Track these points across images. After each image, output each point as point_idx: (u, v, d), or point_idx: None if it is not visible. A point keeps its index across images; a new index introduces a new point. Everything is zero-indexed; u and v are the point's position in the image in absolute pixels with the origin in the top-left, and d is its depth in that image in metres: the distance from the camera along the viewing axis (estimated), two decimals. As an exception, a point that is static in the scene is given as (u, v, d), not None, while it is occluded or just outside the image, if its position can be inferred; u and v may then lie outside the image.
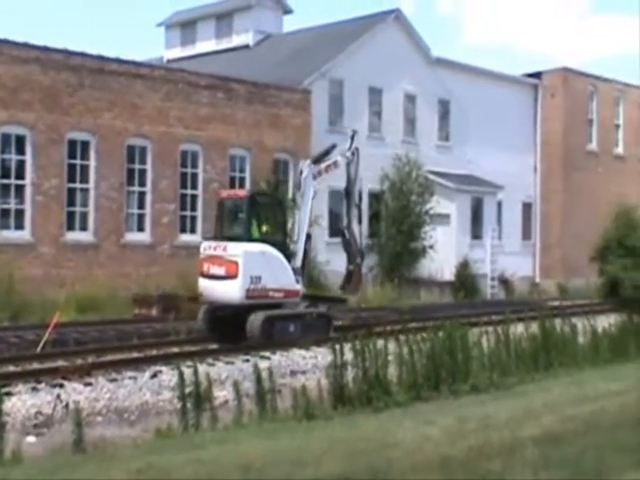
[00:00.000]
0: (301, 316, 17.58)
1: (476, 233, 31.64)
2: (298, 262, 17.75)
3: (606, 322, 19.74)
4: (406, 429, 9.86)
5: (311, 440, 9.36)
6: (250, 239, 17.15)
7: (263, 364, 14.20)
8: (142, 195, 24.15)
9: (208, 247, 17.27)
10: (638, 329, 19.27)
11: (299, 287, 17.70)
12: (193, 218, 25.21)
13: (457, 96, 33.04)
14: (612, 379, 13.63)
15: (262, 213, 18.12)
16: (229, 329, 16.99)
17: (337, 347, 12.63)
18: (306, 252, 18.10)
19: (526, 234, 36.26)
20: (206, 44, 37.96)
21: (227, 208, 18.45)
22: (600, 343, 17.83)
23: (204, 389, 11.11)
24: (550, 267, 35.54)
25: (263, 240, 17.33)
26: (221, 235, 17.65)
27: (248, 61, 33.22)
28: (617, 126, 38.57)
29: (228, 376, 13.66)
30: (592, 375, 14.81)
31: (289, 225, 18.30)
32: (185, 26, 39.39)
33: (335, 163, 18.72)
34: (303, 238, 17.95)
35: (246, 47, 36.18)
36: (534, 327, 17.10)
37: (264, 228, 17.81)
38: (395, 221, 29.19)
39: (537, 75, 36.91)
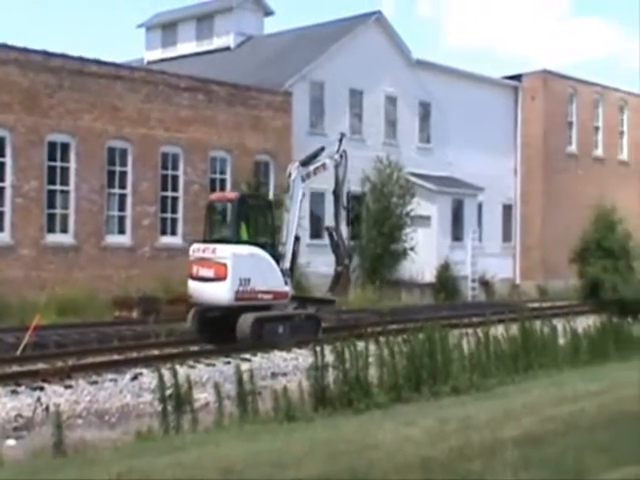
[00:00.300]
0: (290, 317, 17.72)
1: (457, 235, 31.74)
2: (287, 264, 17.88)
3: (586, 323, 19.89)
4: (387, 430, 9.90)
5: (292, 442, 9.38)
6: (239, 241, 17.26)
7: (244, 366, 14.16)
8: (123, 197, 24.06)
9: (197, 249, 17.40)
10: (617, 330, 19.39)
11: (288, 289, 17.82)
12: (174, 220, 25.14)
13: (438, 98, 33.15)
14: (591, 380, 13.75)
15: (251, 215, 18.24)
16: (219, 330, 17.07)
17: (318, 349, 12.66)
18: (294, 254, 18.20)
19: (506, 236, 36.42)
20: (187, 46, 37.87)
21: (216, 210, 18.66)
22: (580, 344, 17.94)
23: (184, 391, 11.09)
24: (530, 269, 35.71)
25: (252, 242, 17.45)
26: (210, 237, 17.80)
27: (229, 63, 33.16)
28: (596, 128, 38.83)
29: (209, 378, 13.66)
30: (571, 376, 14.91)
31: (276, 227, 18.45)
32: (166, 28, 39.27)
33: (324, 165, 18.96)
34: (292, 240, 18.08)
35: (227, 49, 36.13)
36: (514, 329, 17.20)
37: (253, 230, 17.91)
38: (376, 223, 29.24)
39: (517, 77, 37.06)
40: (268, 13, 38.30)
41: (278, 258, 17.69)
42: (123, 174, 24.08)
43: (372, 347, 14.08)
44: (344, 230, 19.40)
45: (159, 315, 20.06)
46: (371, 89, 31.05)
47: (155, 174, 24.69)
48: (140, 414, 11.93)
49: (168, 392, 11.11)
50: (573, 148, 37.60)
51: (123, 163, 24.07)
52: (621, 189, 37.29)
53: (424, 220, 30.54)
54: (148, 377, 13.15)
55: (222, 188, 26.10)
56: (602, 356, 17.53)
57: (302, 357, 15.31)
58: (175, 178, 25.28)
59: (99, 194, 23.36)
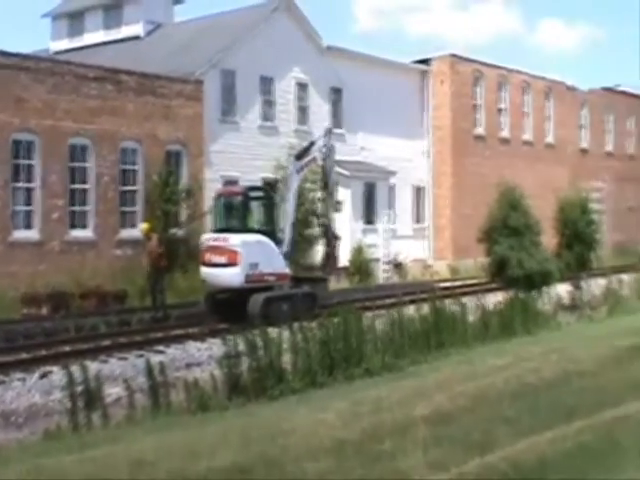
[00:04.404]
0: (292, 296, 19.41)
1: (369, 218, 31.98)
2: (286, 248, 19.75)
3: (495, 299, 20.43)
4: (300, 415, 10.00)
5: (205, 432, 9.39)
6: (246, 230, 19.10)
7: (158, 358, 14.13)
8: (30, 191, 23.41)
9: (209, 239, 19.40)
10: (524, 305, 20.00)
11: (288, 270, 19.68)
12: (84, 213, 24.65)
13: (349, 84, 33.27)
14: (498, 355, 14.13)
15: (255, 206, 20.20)
16: (228, 311, 18.57)
17: (230, 337, 12.68)
18: (292, 239, 20.19)
19: (418, 218, 36.84)
20: (95, 35, 37.01)
21: (224, 203, 20.43)
22: (489, 321, 18.43)
23: (95, 387, 10.97)
24: (442, 249, 36.21)
25: (257, 230, 19.39)
26: (219, 227, 19.71)
27: (138, 52, 32.60)
28: (502, 110, 39.59)
29: (121, 372, 13.50)
30: (481, 352, 15.31)
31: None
32: (72, 17, 38.29)
33: (314, 159, 20.95)
34: (289, 227, 20.04)
35: (136, 38, 35.49)
36: (426, 308, 17.54)
37: (257, 219, 19.97)
38: (290, 209, 29.20)
39: (426, 62, 37.44)
40: (178, 1, 37.77)
41: (279, 243, 19.53)
42: (30, 167, 23.43)
43: (286, 333, 14.19)
44: (331, 215, 21.55)
45: (69, 310, 19.71)
46: (282, 76, 31.00)
47: (63, 166, 24.13)
48: (49, 413, 11.69)
49: (78, 389, 10.98)
50: (480, 130, 38.18)
51: (29, 156, 23.42)
52: (526, 168, 38.13)
53: (337, 205, 30.66)
54: (58, 374, 12.89)
55: (133, 179, 25.74)
56: (510, 331, 18.07)
57: (216, 346, 15.24)
58: (84, 170, 24.76)
59: (4, 189, 22.67)
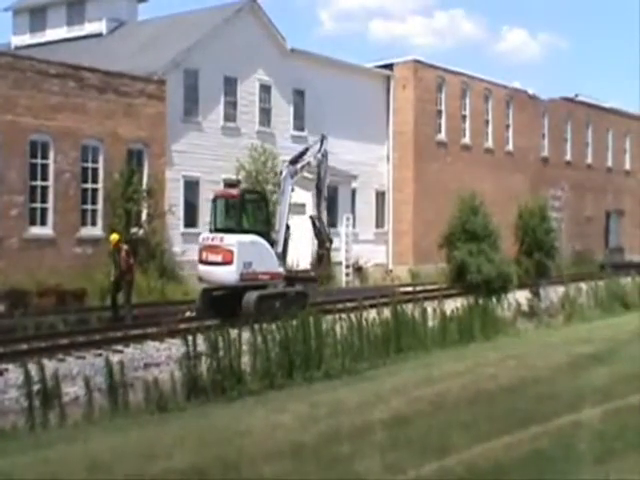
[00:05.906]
0: (284, 294, 20.26)
1: (331, 222, 31.94)
2: (279, 248, 20.56)
3: (454, 305, 20.58)
4: (258, 417, 10.00)
5: (162, 433, 9.35)
6: (241, 230, 19.80)
7: (116, 357, 14.02)
8: (-12, 187, 23.16)
9: (206, 238, 20.06)
10: (483, 310, 20.20)
11: (281, 270, 20.52)
12: (44, 210, 24.37)
13: (312, 86, 33.31)
14: (456, 360, 14.27)
15: (250, 208, 20.87)
16: (223, 308, 19.15)
17: (190, 338, 12.64)
18: (286, 240, 20.92)
19: (379, 222, 36.97)
20: (57, 31, 36.69)
21: (221, 204, 21.11)
22: (448, 326, 18.58)
23: (52, 386, 10.86)
24: (402, 254, 36.35)
25: (252, 231, 20.04)
26: (215, 228, 20.33)
27: (101, 49, 32.35)
28: (464, 117, 39.89)
29: (79, 371, 13.37)
30: (439, 357, 15.44)
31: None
32: (34, 12, 37.92)
33: (309, 164, 21.86)
34: (283, 228, 20.77)
35: (99, 35, 35.22)
36: (387, 313, 17.64)
37: (252, 221, 20.57)
38: (251, 210, 29.17)
39: (389, 66, 37.63)
40: (142, -1, 37.63)
41: (273, 244, 20.33)
42: (-12, 163, 23.18)
43: (246, 335, 14.17)
44: (325, 218, 22.26)
45: (28, 308, 19.49)
46: (245, 77, 30.94)
47: (23, 163, 23.85)
48: (5, 412, 11.56)
49: (35, 387, 10.87)
50: (442, 136, 38.42)
51: (-12, 152, 23.17)
52: (486, 176, 38.48)
53: (299, 207, 30.64)
54: (15, 373, 12.73)
55: (94, 177, 25.52)
56: (468, 336, 18.24)
57: (175, 347, 15.19)
58: (45, 167, 24.49)
59: (-38, 185, 22.41)
